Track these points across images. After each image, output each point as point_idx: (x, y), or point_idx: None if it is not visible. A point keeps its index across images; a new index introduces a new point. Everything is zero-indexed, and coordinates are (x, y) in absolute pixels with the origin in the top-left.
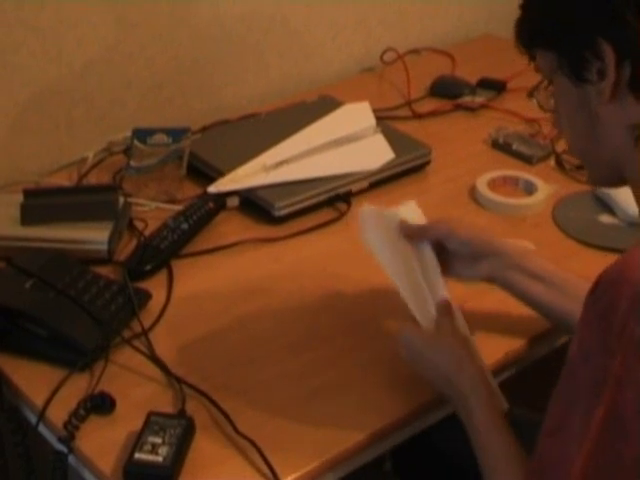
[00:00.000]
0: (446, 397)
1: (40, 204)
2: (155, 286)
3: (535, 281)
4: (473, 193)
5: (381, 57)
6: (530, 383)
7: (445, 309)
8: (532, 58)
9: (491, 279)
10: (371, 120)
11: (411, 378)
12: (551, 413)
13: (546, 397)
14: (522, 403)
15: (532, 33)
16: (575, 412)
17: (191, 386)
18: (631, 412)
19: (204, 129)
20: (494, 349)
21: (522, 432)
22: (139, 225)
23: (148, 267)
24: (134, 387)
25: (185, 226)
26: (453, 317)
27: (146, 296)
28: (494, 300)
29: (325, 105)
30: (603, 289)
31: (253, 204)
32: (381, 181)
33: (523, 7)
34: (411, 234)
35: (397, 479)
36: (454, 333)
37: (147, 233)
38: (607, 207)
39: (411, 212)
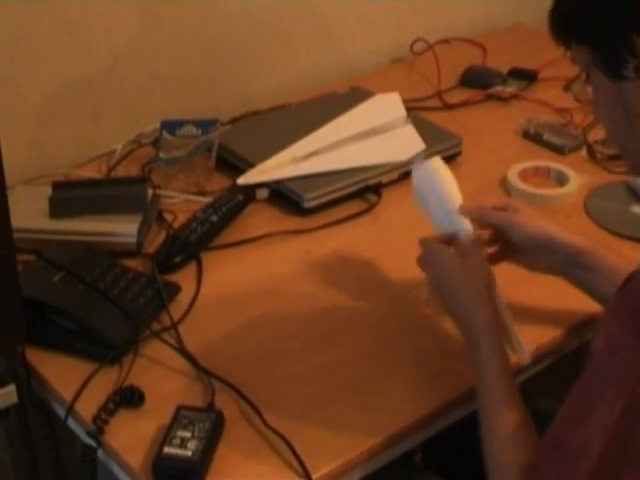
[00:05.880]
0: (456, 323)
1: (69, 197)
2: (184, 278)
3: (595, 275)
4: (504, 184)
5: (411, 47)
6: (556, 377)
7: (476, 240)
8: (567, 48)
9: (552, 273)
10: (401, 111)
11: (441, 373)
12: (573, 400)
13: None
14: (549, 396)
15: (565, 26)
16: (600, 403)
17: (220, 379)
18: None
19: (233, 120)
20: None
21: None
22: (168, 217)
23: (177, 259)
24: (163, 381)
25: (214, 218)
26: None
27: (175, 289)
28: (526, 292)
29: (355, 96)
30: (635, 284)
31: (282, 196)
32: (411, 172)
33: None
34: (470, 212)
35: (427, 472)
36: (482, 262)
37: (176, 225)
38: None
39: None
